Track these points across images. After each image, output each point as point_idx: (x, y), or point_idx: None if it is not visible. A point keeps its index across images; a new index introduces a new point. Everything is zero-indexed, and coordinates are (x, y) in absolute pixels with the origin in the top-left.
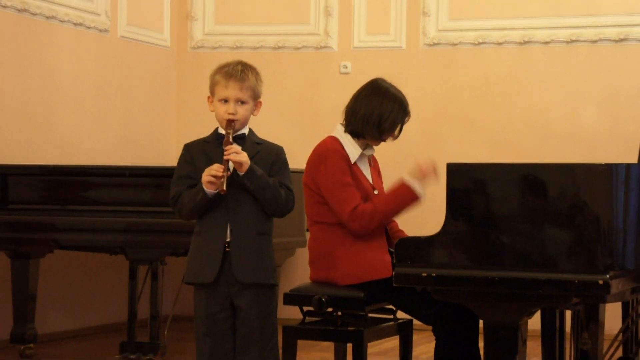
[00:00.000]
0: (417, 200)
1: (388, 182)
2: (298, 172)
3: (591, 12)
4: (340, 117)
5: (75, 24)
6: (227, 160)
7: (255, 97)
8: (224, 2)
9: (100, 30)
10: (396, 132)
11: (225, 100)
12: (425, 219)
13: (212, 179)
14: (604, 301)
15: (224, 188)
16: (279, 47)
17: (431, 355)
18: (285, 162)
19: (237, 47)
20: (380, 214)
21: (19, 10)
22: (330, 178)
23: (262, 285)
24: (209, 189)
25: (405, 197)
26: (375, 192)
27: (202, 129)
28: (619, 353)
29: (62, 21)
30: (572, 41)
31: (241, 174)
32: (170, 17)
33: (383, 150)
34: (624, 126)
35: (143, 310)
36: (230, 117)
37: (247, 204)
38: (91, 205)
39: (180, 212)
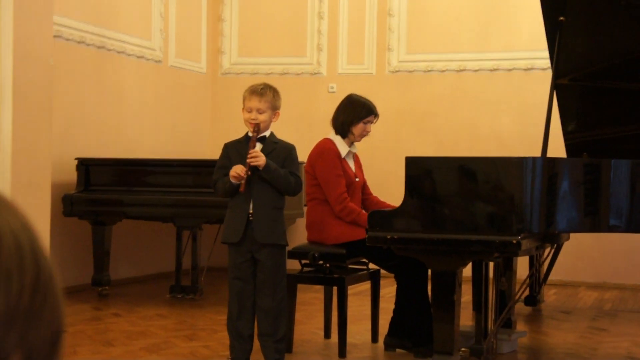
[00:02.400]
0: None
1: (366, 169)
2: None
3: (507, 49)
4: (329, 127)
5: (138, 57)
6: (249, 163)
7: (273, 108)
8: (245, 41)
9: (156, 61)
10: (368, 128)
11: (249, 110)
12: (389, 196)
13: (236, 175)
14: (517, 255)
15: (242, 189)
16: (284, 73)
17: (393, 295)
18: (294, 157)
19: (254, 73)
20: (352, 218)
21: (98, 47)
22: (325, 170)
23: (275, 245)
24: (234, 181)
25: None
26: (357, 179)
27: (229, 132)
28: (527, 292)
29: (129, 55)
30: (494, 70)
31: (260, 169)
32: (206, 51)
33: (362, 147)
34: (531, 131)
35: (186, 263)
36: (254, 122)
37: (265, 186)
38: (149, 187)
39: (217, 193)
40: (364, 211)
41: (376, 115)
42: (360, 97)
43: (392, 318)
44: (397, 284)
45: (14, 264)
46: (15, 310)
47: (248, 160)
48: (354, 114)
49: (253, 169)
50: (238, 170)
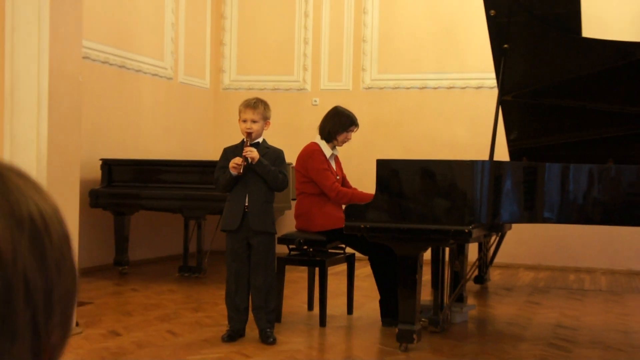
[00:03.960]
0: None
1: (344, 169)
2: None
3: (461, 70)
4: (312, 133)
5: (152, 74)
6: (245, 155)
7: (265, 118)
8: (242, 61)
9: (167, 78)
10: (349, 136)
11: (244, 120)
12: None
13: (235, 165)
14: (468, 242)
15: (241, 172)
16: (275, 89)
17: (367, 274)
18: (283, 159)
19: (250, 89)
20: (348, 198)
21: (119, 67)
22: (316, 166)
23: (266, 232)
24: (233, 172)
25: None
26: (337, 177)
27: (229, 138)
28: (476, 272)
29: (145, 73)
30: (450, 88)
31: (253, 163)
32: (209, 70)
33: (341, 151)
34: (480, 139)
35: (192, 247)
36: (248, 130)
37: (258, 183)
38: (162, 183)
39: (218, 188)
40: (355, 189)
41: (357, 125)
42: (345, 109)
43: (380, 300)
44: (371, 265)
45: (60, 253)
46: (63, 294)
47: (244, 153)
48: (339, 123)
49: (247, 161)
50: (236, 160)
